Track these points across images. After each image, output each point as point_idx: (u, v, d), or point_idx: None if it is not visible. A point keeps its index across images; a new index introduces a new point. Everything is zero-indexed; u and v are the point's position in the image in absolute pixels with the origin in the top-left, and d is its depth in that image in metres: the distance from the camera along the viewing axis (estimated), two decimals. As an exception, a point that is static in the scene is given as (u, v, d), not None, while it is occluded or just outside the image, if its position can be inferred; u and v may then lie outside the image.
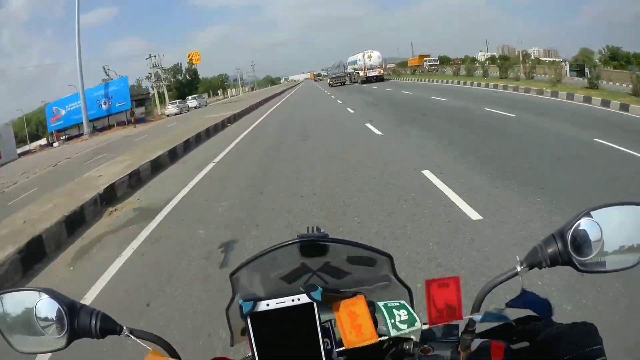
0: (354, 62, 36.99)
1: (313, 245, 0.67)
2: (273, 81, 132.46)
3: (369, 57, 35.00)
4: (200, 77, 63.32)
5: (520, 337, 0.61)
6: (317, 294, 0.55)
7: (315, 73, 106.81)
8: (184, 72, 55.73)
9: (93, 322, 0.59)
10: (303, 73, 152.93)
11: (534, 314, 0.61)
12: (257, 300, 0.54)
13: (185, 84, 55.07)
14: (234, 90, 66.32)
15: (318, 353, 0.55)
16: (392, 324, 0.56)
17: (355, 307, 0.58)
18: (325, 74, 72.54)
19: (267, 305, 0.54)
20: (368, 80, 33.89)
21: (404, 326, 0.56)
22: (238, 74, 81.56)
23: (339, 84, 39.39)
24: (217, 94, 63.79)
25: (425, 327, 0.57)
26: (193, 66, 53.35)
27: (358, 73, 35.19)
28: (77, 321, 0.59)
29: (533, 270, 0.58)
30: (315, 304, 0.54)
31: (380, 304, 0.58)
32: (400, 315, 0.58)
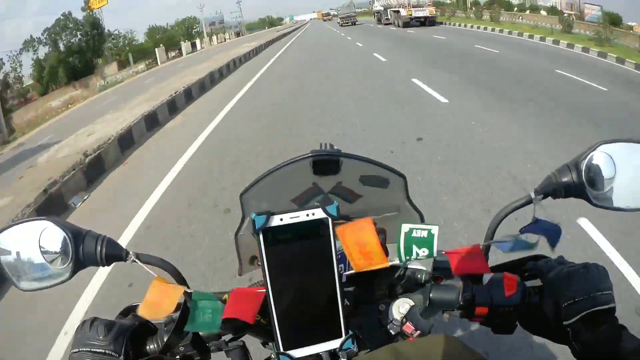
0: None
1: (326, 161, 0.69)
2: (272, 22, 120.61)
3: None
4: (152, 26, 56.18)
5: (533, 274, 0.64)
6: (332, 209, 0.56)
7: (323, 12, 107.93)
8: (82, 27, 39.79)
9: (98, 248, 0.60)
10: (311, 13, 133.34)
11: (544, 254, 0.66)
12: (270, 214, 0.55)
13: (86, 49, 39.11)
14: (198, 42, 56.47)
15: (331, 275, 0.57)
16: (405, 252, 0.58)
17: (362, 233, 0.59)
18: (335, 13, 75.31)
19: (281, 220, 0.55)
20: (409, 24, 28.49)
21: (417, 254, 0.59)
22: (216, 16, 72.80)
23: (350, 23, 43.67)
24: (174, 52, 51.13)
25: (439, 257, 0.60)
26: (93, 12, 38.77)
27: (398, 12, 29.90)
28: (82, 248, 0.60)
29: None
30: (330, 220, 0.56)
31: (405, 227, 0.58)
32: (417, 247, 0.59)
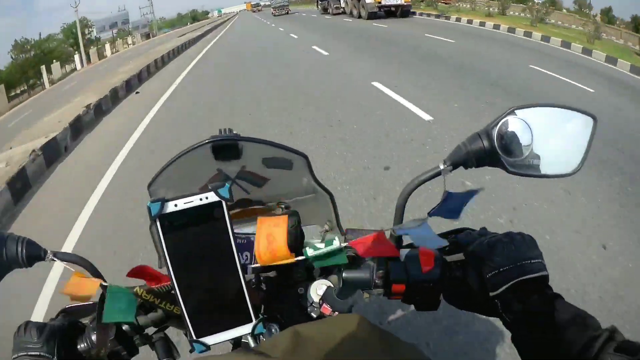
0: None
1: (226, 146, 0.69)
2: (196, 17, 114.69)
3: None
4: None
5: (454, 248, 0.64)
6: (224, 191, 0.55)
7: (252, 3, 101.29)
8: None
9: (19, 249, 0.62)
10: (241, 4, 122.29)
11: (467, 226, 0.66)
12: (165, 201, 0.54)
13: None
14: (78, 58, 43.20)
15: (233, 264, 0.56)
16: (312, 247, 0.60)
17: (275, 228, 0.61)
18: (268, 3, 75.86)
19: (175, 205, 0.55)
20: (375, 14, 21.45)
21: (321, 245, 0.61)
22: (118, 15, 62.46)
23: (284, 13, 43.28)
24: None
25: (346, 244, 0.61)
26: None
27: None
28: (4, 252, 0.61)
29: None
30: (224, 203, 0.55)
31: (310, 251, 0.60)
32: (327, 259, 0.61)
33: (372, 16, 20.67)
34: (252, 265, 0.64)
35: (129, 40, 59.30)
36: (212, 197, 0.55)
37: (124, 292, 0.62)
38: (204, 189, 0.59)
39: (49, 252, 0.63)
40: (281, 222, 0.62)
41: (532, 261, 0.54)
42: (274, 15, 43.04)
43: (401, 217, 0.66)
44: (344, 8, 25.44)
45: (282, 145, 0.70)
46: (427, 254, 0.61)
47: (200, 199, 0.55)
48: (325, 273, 0.67)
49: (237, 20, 50.62)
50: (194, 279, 0.56)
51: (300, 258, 0.61)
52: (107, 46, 50.10)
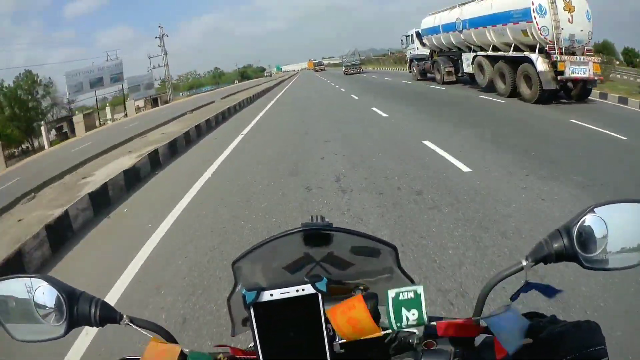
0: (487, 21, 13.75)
1: (317, 234, 0.73)
2: (245, 75, 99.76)
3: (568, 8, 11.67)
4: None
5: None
6: (322, 285, 0.60)
7: (314, 61, 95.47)
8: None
9: (93, 310, 0.65)
10: (301, 63, 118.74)
11: (538, 311, 0.69)
12: (260, 290, 0.60)
13: None
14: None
15: (321, 344, 0.62)
16: (395, 317, 0.62)
17: (353, 311, 0.62)
18: (333, 61, 75.08)
19: (271, 295, 0.60)
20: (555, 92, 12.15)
21: (407, 321, 0.62)
22: (105, 68, 43.79)
23: (356, 72, 43.57)
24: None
25: (431, 322, 0.64)
26: None
27: (519, 61, 12.71)
28: (76, 309, 0.65)
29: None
30: (320, 295, 0.60)
31: (391, 293, 0.62)
32: (406, 310, 0.62)
33: (542, 96, 11.34)
34: (340, 342, 0.65)
35: (131, 105, 43.50)
36: (308, 289, 0.60)
37: (206, 359, 0.66)
38: (292, 269, 0.73)
39: (124, 316, 0.67)
40: (357, 304, 0.63)
41: (596, 348, 0.58)
42: (346, 74, 43.28)
43: (481, 308, 0.69)
44: (466, 74, 16.14)
45: (374, 237, 0.74)
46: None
47: (297, 290, 0.60)
48: (398, 353, 0.70)
49: (297, 82, 45.63)
50: (281, 358, 0.61)
51: (387, 331, 0.63)
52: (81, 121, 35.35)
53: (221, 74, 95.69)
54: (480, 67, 14.28)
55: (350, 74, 42.68)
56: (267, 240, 0.71)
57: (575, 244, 0.62)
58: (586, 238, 0.62)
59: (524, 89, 12.12)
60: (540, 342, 0.62)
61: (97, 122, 38.26)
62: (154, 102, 50.74)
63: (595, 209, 0.62)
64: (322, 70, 79.36)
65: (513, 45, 12.32)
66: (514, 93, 12.58)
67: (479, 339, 0.67)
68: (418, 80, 22.04)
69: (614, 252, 0.62)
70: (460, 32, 14.75)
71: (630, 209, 0.63)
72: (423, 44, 20.35)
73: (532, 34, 11.38)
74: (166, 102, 49.26)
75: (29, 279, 0.64)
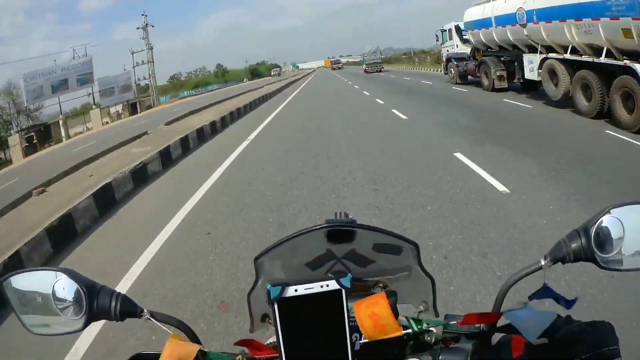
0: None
1: (340, 231, 0.74)
2: (256, 72, 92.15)
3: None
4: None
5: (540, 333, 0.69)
6: (346, 281, 0.61)
7: (332, 59, 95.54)
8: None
9: (113, 303, 0.67)
10: (318, 61, 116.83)
11: (554, 310, 0.71)
12: (285, 285, 0.60)
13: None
14: None
15: (343, 341, 0.63)
16: (414, 319, 0.68)
17: (376, 307, 0.66)
18: (345, 60, 78.90)
19: (296, 290, 0.61)
20: None
21: (425, 321, 0.68)
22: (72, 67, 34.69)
23: (376, 71, 44.09)
24: None
25: (448, 321, 0.70)
26: None
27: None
28: (96, 303, 0.66)
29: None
30: (344, 291, 0.61)
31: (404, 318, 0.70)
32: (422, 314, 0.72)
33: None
34: (360, 342, 0.70)
35: (91, 119, 32.50)
36: (333, 285, 0.61)
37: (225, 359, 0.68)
38: (314, 265, 0.74)
39: (145, 310, 0.68)
40: (380, 300, 0.66)
41: (610, 348, 0.60)
42: (367, 73, 43.45)
43: (500, 305, 0.72)
44: (526, 80, 12.44)
45: (396, 234, 0.76)
46: (518, 340, 0.66)
47: (322, 286, 0.61)
48: (415, 352, 0.73)
49: (313, 81, 43.35)
50: (303, 355, 0.62)
51: (408, 331, 0.67)
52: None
53: (224, 72, 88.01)
54: (551, 73, 10.50)
55: (371, 72, 42.75)
56: (291, 236, 0.74)
57: (593, 244, 0.65)
58: (603, 239, 0.65)
59: (620, 111, 8.24)
60: (556, 341, 0.65)
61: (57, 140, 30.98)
62: (133, 108, 41.67)
63: (611, 210, 0.65)
64: (339, 68, 76.54)
65: (605, 49, 8.53)
66: (603, 113, 8.81)
67: (496, 338, 0.71)
68: (458, 84, 18.36)
69: (629, 253, 0.65)
70: (524, 26, 10.99)
71: None
72: (464, 41, 16.97)
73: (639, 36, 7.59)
74: (149, 108, 41.66)
75: (49, 271, 0.66)
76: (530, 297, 0.69)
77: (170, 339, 0.65)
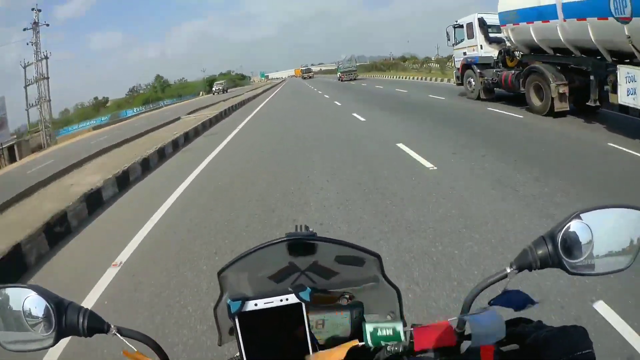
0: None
1: (301, 244, 0.77)
2: (210, 83, 78.61)
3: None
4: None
5: (510, 339, 0.71)
6: (305, 295, 0.64)
7: (303, 68, 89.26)
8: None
9: (80, 320, 0.70)
10: (288, 70, 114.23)
11: (524, 316, 0.75)
12: (245, 299, 0.64)
13: None
14: None
15: (306, 352, 0.66)
16: (372, 336, 0.68)
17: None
18: (318, 69, 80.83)
19: (255, 305, 0.64)
20: None
21: (385, 340, 0.69)
22: None
23: (351, 79, 44.49)
24: None
25: (408, 339, 0.70)
26: None
27: None
28: (64, 319, 0.69)
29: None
30: (303, 305, 0.65)
31: (369, 327, 0.69)
32: (385, 341, 0.69)
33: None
34: (323, 352, 0.70)
35: None
36: (292, 299, 0.63)
37: None
38: (277, 279, 0.75)
39: (112, 326, 0.71)
40: (336, 353, 0.68)
41: (584, 352, 0.62)
42: (342, 81, 44.68)
43: (468, 311, 0.73)
44: (598, 101, 8.35)
45: (357, 246, 0.79)
46: (487, 349, 0.66)
47: (281, 300, 0.63)
48: None
49: (284, 89, 44.01)
50: None
51: (361, 343, 0.68)
52: None
53: (165, 86, 79.01)
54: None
55: (346, 81, 44.36)
56: (252, 250, 0.76)
57: (560, 250, 0.66)
58: (571, 244, 0.65)
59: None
60: (527, 347, 0.67)
61: None
62: (10, 154, 28.80)
63: (581, 215, 0.66)
64: (310, 77, 74.95)
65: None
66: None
67: (465, 345, 0.71)
68: (482, 100, 13.63)
69: (600, 256, 0.65)
70: (626, 21, 6.95)
71: (616, 213, 0.66)
72: (491, 40, 13.48)
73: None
74: (40, 149, 30.39)
75: (18, 288, 0.69)
76: (491, 302, 0.72)
77: (134, 355, 0.70)
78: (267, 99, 31.25)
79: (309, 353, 0.64)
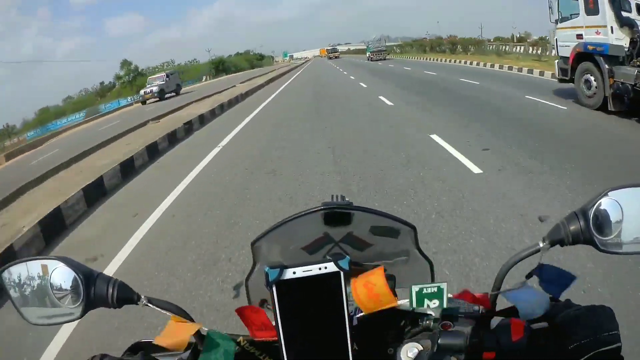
0: None
1: (337, 213, 0.77)
2: (221, 66, 66.84)
3: None
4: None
5: (539, 317, 0.73)
6: (344, 263, 0.64)
7: (329, 48, 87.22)
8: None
9: (110, 290, 0.69)
10: (313, 50, 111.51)
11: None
12: (283, 268, 0.63)
13: None
14: None
15: (341, 323, 0.66)
16: (417, 303, 0.69)
17: (372, 276, 0.69)
18: (346, 49, 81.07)
19: (294, 273, 0.63)
20: None
21: (429, 297, 0.69)
22: None
23: (381, 58, 45.47)
24: None
25: (447, 304, 0.71)
26: None
27: None
28: (93, 290, 0.68)
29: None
30: (342, 273, 0.64)
31: (415, 288, 0.70)
32: (428, 300, 0.69)
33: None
34: (357, 316, 0.74)
35: None
36: (331, 267, 0.63)
37: (225, 340, 0.68)
38: (311, 249, 0.74)
39: (142, 297, 0.70)
40: (377, 271, 0.70)
41: (610, 333, 0.63)
42: (372, 61, 44.90)
43: (499, 287, 0.74)
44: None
45: (393, 216, 0.79)
46: (518, 324, 0.68)
47: (320, 269, 0.62)
48: (414, 336, 0.75)
49: (309, 69, 42.83)
50: (301, 338, 0.65)
51: (404, 301, 0.70)
52: None
53: (137, 72, 63.07)
54: None
55: (375, 60, 44.73)
56: (288, 220, 0.76)
57: (592, 226, 0.66)
58: (602, 221, 0.65)
59: None
60: (555, 325, 0.68)
61: None
62: None
63: (609, 193, 0.66)
64: (336, 57, 71.03)
65: None
66: None
67: (495, 321, 0.72)
68: (608, 111, 8.28)
69: (628, 236, 0.66)
70: None
71: None
72: (623, 23, 7.87)
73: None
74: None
75: (45, 260, 0.68)
76: (527, 276, 0.73)
77: (171, 321, 0.69)
78: (297, 73, 34.33)
79: (344, 323, 0.64)
